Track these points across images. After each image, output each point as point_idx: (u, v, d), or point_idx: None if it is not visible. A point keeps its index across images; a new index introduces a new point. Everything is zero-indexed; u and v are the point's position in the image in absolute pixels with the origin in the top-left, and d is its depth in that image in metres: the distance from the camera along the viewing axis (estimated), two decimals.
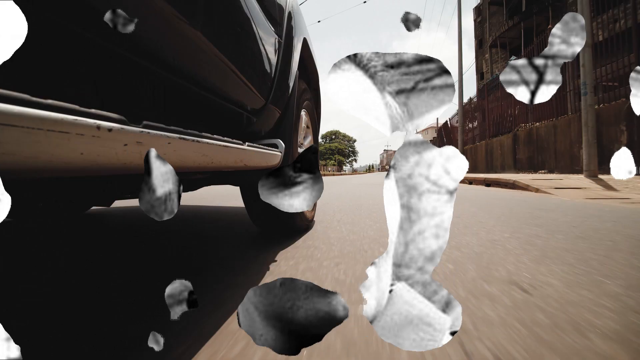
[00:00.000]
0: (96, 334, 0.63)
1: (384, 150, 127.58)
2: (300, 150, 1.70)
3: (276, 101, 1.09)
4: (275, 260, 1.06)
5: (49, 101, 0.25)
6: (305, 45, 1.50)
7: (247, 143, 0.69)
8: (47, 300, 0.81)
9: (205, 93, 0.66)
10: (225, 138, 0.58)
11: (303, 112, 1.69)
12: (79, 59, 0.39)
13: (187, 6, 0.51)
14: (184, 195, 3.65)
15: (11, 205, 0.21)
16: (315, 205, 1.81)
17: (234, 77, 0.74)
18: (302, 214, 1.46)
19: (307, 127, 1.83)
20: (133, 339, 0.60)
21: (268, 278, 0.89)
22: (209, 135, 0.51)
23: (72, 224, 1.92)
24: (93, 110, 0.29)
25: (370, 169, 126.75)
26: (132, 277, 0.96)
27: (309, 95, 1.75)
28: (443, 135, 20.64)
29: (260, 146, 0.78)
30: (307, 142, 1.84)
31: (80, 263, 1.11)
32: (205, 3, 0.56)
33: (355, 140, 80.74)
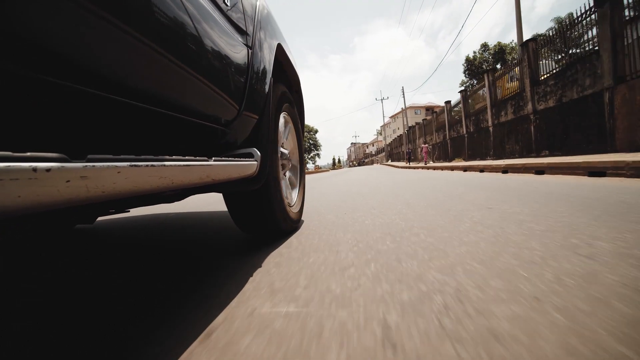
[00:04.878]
0: (96, 334, 0.66)
1: (352, 143, 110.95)
2: (283, 151, 1.71)
3: (250, 108, 1.10)
4: (260, 266, 1.07)
5: None
6: (281, 50, 1.50)
7: (213, 158, 0.71)
8: (47, 300, 0.84)
9: (170, 112, 0.68)
10: (187, 157, 0.59)
11: (285, 115, 1.70)
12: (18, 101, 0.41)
13: (137, 20, 0.52)
14: (172, 204, 3.65)
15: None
16: (302, 206, 1.83)
17: (199, 91, 0.75)
18: (287, 216, 1.48)
19: (290, 130, 1.84)
20: (133, 338, 0.62)
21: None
22: (167, 157, 0.52)
23: (71, 232, 1.93)
24: (29, 154, 0.31)
25: (336, 164, 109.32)
26: (131, 277, 0.99)
27: (289, 98, 1.76)
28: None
29: (230, 159, 0.80)
30: (291, 144, 1.85)
31: (80, 262, 1.14)
32: (153, 16, 0.57)
33: (317, 131, 68.54)
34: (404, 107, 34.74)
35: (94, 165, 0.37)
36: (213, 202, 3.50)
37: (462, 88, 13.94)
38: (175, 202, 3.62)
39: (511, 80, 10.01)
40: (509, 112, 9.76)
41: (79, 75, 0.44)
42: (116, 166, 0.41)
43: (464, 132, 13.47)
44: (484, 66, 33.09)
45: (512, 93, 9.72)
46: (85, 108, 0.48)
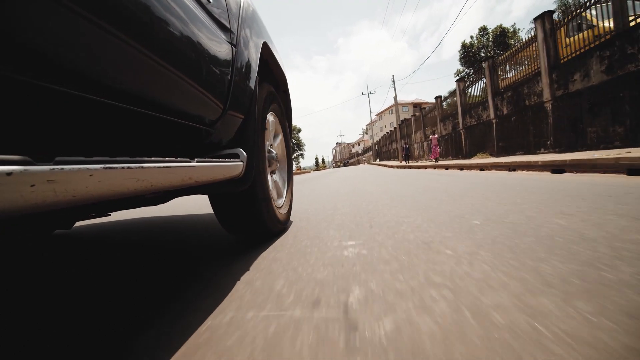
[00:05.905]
0: (95, 334, 0.66)
1: (337, 143, 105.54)
2: (270, 151, 1.69)
3: (235, 107, 1.08)
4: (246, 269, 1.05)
5: None
6: (267, 48, 1.48)
7: (196, 159, 0.68)
8: (47, 300, 0.84)
9: (150, 111, 0.65)
10: (167, 158, 0.57)
11: (271, 115, 1.68)
12: None
13: (114, 14, 0.49)
14: (159, 206, 3.60)
15: None
16: (290, 207, 1.82)
17: (179, 90, 0.72)
18: (274, 216, 1.46)
19: (277, 130, 1.82)
20: (131, 338, 0.62)
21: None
22: (145, 158, 0.50)
23: (69, 236, 1.86)
24: None
25: (320, 164, 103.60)
26: (130, 278, 0.98)
27: (276, 98, 1.74)
28: None
29: (214, 160, 0.78)
30: (278, 145, 1.83)
31: (79, 262, 1.13)
32: (131, 10, 0.55)
33: (300, 130, 63.79)
34: (394, 97, 26.50)
35: (62, 168, 0.35)
36: (207, 204, 3.43)
37: (457, 78, 11.30)
38: (171, 203, 3.54)
39: (578, 30, 6.29)
40: (595, 72, 5.58)
41: (49, 72, 0.41)
42: (88, 169, 0.38)
43: (491, 116, 9.31)
44: (482, 52, 30.15)
45: (586, 46, 5.85)
46: (56, 107, 0.45)
